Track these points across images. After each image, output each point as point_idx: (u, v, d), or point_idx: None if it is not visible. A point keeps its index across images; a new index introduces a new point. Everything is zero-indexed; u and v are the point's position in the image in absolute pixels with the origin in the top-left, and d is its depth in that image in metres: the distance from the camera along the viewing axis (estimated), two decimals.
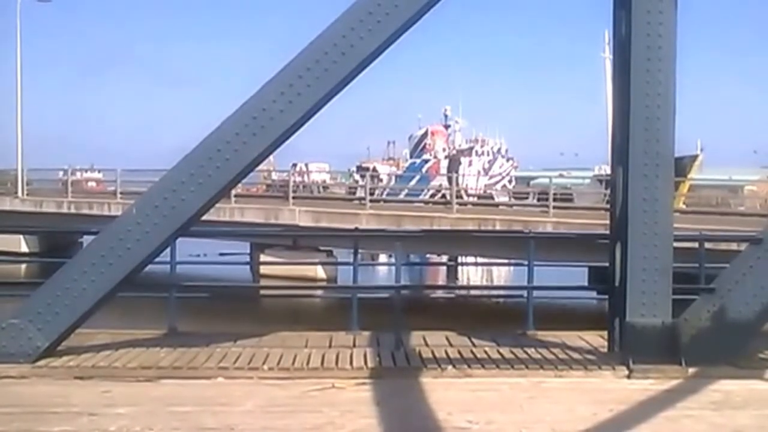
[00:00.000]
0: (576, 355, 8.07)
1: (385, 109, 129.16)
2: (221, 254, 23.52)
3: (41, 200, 38.08)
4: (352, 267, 9.93)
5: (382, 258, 28.86)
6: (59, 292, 7.54)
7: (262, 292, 19.31)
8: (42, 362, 7.44)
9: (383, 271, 26.13)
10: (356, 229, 16.45)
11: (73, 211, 35.64)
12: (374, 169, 57.29)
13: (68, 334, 7.71)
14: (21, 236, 33.22)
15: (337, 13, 7.61)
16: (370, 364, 7.74)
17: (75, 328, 7.73)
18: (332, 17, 7.62)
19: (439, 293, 21.97)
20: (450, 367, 7.65)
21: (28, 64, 48.19)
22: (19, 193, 39.37)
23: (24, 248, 33.39)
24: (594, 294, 11.11)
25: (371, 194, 33.68)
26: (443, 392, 6.88)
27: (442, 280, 32.78)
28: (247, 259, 28.14)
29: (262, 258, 28.19)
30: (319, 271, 27.65)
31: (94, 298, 7.55)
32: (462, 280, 34.03)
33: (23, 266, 28.37)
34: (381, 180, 53.50)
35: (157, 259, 8.06)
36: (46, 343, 7.50)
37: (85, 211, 35.22)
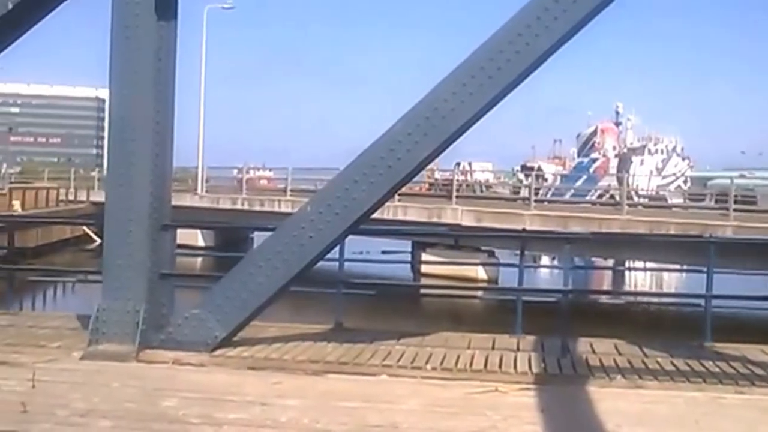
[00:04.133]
0: (759, 371, 7.57)
1: (553, 107, 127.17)
2: (383, 252, 23.90)
3: (218, 197, 40.16)
4: (513, 268, 9.80)
5: (544, 260, 28.36)
6: (237, 286, 7.88)
7: (423, 291, 19.45)
8: (219, 352, 7.80)
9: (544, 273, 25.64)
10: (524, 230, 16.21)
11: (246, 207, 37.31)
12: (539, 169, 56.33)
13: (244, 326, 8.04)
14: (198, 231, 35.13)
15: (513, 10, 7.51)
16: (534, 369, 7.61)
17: (250, 320, 8.05)
18: (508, 14, 7.52)
19: (605, 299, 21.34)
20: (619, 376, 7.39)
21: (209, 67, 50.98)
22: (199, 190, 41.72)
23: (200, 242, 35.28)
24: None
25: (535, 194, 33.16)
26: (612, 403, 6.62)
27: (607, 284, 31.80)
28: (409, 257, 28.44)
29: (424, 257, 28.41)
30: (480, 272, 27.53)
31: (268, 292, 7.84)
32: (629, 285, 32.88)
33: (199, 259, 30.04)
34: (546, 180, 52.56)
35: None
36: (224, 334, 7.86)
37: (257, 207, 36.78)
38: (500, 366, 7.67)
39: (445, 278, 22.94)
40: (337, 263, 9.40)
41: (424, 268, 27.33)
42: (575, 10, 7.33)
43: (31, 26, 8.41)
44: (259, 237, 29.59)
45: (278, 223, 8.48)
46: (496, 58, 7.43)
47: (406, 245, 31.69)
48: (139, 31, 7.88)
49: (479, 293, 19.28)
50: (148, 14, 7.86)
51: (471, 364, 7.71)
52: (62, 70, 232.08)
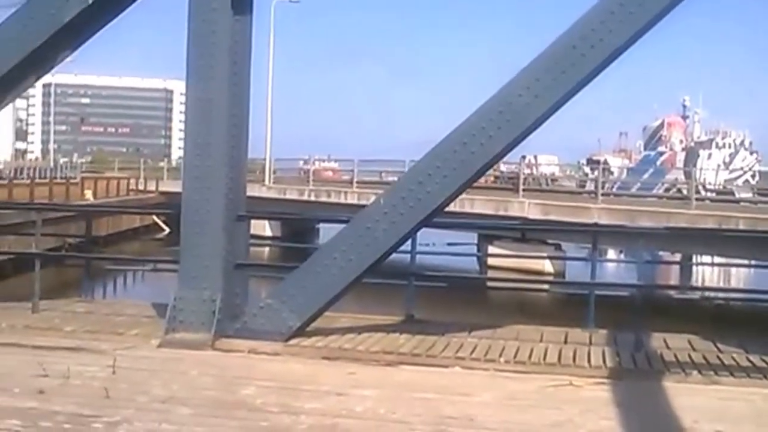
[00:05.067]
0: None
1: (618, 100, 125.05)
2: (449, 244, 23.80)
3: (285, 188, 40.66)
4: (581, 262, 9.71)
5: (610, 253, 27.94)
6: (311, 276, 7.99)
7: (491, 284, 19.37)
8: (293, 341, 7.90)
9: (610, 266, 25.24)
10: (596, 224, 16.04)
11: (313, 198, 37.68)
12: (605, 162, 55.50)
13: (317, 316, 8.13)
14: (266, 221, 35.56)
15: (586, 6, 7.44)
16: (608, 364, 7.54)
17: (324, 310, 8.14)
18: (581, 10, 7.47)
19: (675, 293, 20.94)
20: (695, 372, 7.29)
21: (277, 60, 51.52)
22: (266, 181, 42.30)
23: (268, 232, 35.76)
24: None
25: (602, 188, 32.68)
26: (688, 398, 6.53)
27: (674, 279, 31.23)
28: (474, 249, 28.29)
29: (490, 249, 28.26)
30: (547, 265, 27.28)
31: (342, 283, 7.93)
32: (696, 280, 32.26)
33: (266, 249, 30.46)
34: (612, 173, 51.75)
35: None
36: (298, 323, 7.96)
37: (324, 198, 37.12)
38: (574, 360, 7.64)
39: (512, 271, 22.81)
40: (403, 254, 9.41)
41: (490, 261, 27.17)
42: (650, 5, 7.25)
43: (109, 21, 8.65)
44: (324, 228, 30.02)
45: (348, 215, 8.60)
46: (570, 53, 7.40)
47: (471, 237, 31.56)
48: (216, 25, 8.05)
49: (549, 287, 19.11)
50: (225, 9, 8.02)
51: (545, 358, 7.69)
52: (131, 61, 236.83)
